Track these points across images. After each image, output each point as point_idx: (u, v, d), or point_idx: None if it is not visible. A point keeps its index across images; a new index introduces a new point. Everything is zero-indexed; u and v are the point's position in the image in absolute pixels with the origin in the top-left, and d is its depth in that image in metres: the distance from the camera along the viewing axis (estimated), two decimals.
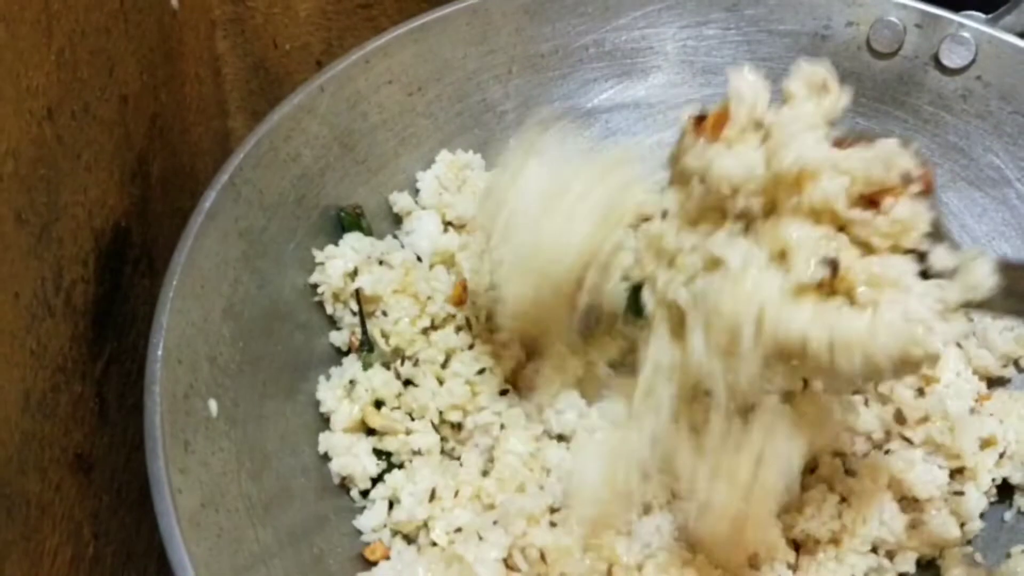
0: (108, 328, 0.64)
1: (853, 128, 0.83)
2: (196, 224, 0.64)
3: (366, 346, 0.71)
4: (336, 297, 0.72)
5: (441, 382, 0.69)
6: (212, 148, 0.89)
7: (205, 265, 0.63)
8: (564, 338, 0.67)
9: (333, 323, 0.73)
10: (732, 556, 0.62)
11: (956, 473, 0.69)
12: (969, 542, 0.69)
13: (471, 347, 0.71)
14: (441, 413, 0.68)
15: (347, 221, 0.75)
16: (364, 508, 0.67)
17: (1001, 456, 0.70)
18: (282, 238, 0.71)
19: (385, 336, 0.71)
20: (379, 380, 0.69)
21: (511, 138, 0.84)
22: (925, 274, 0.52)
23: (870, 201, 0.53)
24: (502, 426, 0.67)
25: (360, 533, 0.66)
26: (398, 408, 0.68)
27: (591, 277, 0.62)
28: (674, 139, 0.85)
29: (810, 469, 0.69)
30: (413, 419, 0.68)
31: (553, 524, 0.61)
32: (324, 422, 0.69)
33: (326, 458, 0.67)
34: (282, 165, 0.71)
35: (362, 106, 0.77)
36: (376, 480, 0.67)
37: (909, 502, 0.67)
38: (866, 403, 0.71)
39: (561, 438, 0.68)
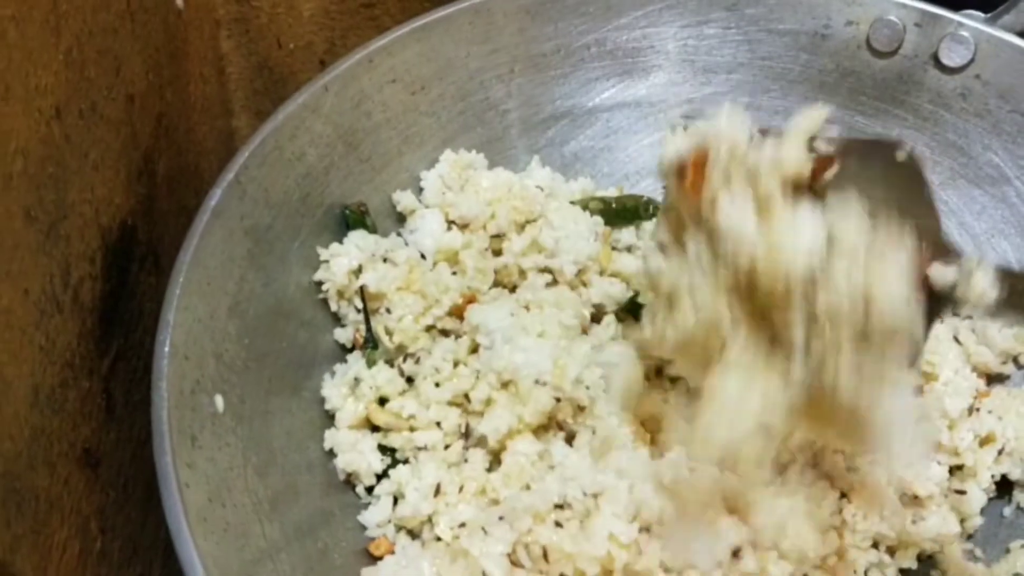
0: (115, 325, 0.65)
1: (851, 128, 0.84)
2: (202, 222, 0.64)
3: (370, 343, 0.72)
4: (340, 294, 0.73)
5: (438, 385, 0.70)
6: (216, 147, 0.90)
7: (211, 263, 0.64)
8: None
9: (338, 320, 0.74)
10: None
11: (955, 470, 0.70)
12: (969, 537, 0.70)
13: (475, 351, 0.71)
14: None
15: (351, 219, 0.75)
16: (369, 504, 0.67)
17: (1000, 453, 0.71)
18: (287, 236, 0.71)
19: (389, 333, 0.71)
20: (383, 377, 0.69)
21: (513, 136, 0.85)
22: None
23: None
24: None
25: (365, 528, 0.67)
26: (402, 405, 0.69)
27: None
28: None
29: (811, 464, 0.69)
30: (417, 416, 0.69)
31: (558, 524, 0.62)
32: (329, 419, 0.69)
33: (331, 454, 0.68)
34: (287, 164, 0.72)
35: (366, 105, 0.77)
36: (381, 476, 0.68)
37: (909, 498, 0.68)
38: None
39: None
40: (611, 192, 0.85)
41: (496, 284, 0.76)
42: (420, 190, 0.80)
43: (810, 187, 0.55)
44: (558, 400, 0.66)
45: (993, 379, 0.77)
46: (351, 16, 0.92)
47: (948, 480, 0.69)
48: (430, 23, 0.80)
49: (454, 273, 0.74)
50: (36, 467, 0.54)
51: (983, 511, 0.70)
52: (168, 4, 0.77)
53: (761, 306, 0.53)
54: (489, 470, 0.67)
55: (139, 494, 0.68)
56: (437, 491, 0.65)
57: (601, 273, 0.77)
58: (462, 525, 0.64)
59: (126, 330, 0.66)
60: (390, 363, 0.71)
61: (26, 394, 0.53)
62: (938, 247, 0.57)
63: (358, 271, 0.72)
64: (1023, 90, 0.78)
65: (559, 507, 0.62)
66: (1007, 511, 0.72)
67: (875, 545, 0.67)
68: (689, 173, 0.57)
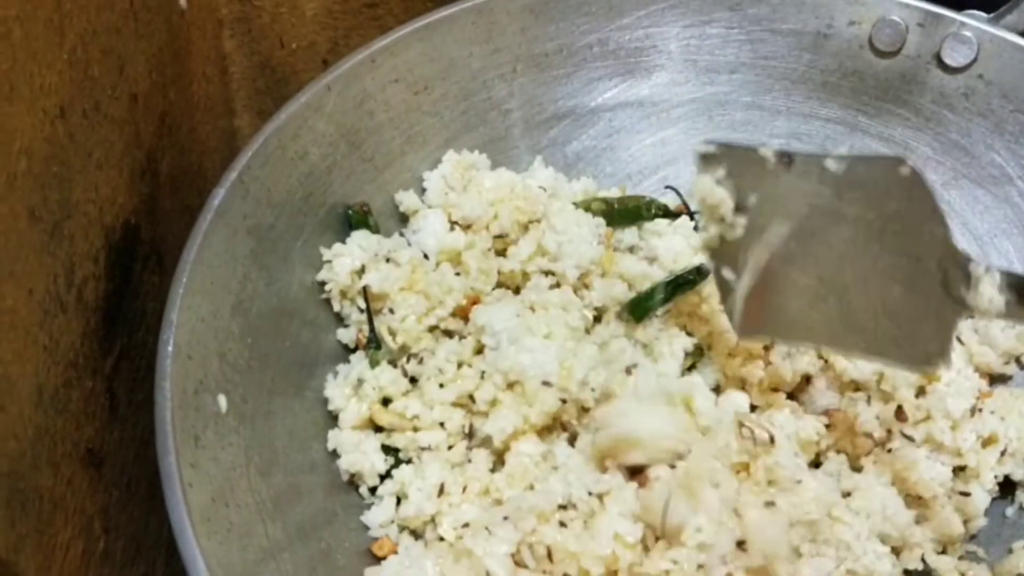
0: (118, 324, 0.65)
1: (855, 128, 0.85)
2: (205, 221, 0.64)
3: (373, 343, 0.72)
4: (343, 294, 0.73)
5: (442, 386, 0.70)
6: (219, 146, 0.90)
7: (214, 262, 0.64)
8: None
9: (340, 320, 0.74)
10: None
11: (958, 471, 0.70)
12: (972, 538, 0.70)
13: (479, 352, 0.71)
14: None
15: (354, 219, 0.75)
16: (372, 504, 0.67)
17: (1003, 454, 0.71)
18: (290, 235, 0.71)
19: (392, 333, 0.71)
20: (386, 378, 0.69)
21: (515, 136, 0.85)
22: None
23: None
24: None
25: (368, 528, 0.66)
26: (406, 406, 0.69)
27: None
28: (677, 137, 0.87)
29: (815, 465, 0.69)
30: (420, 417, 0.69)
31: (562, 524, 0.62)
32: (332, 419, 0.69)
33: (335, 455, 0.68)
34: (290, 163, 0.72)
35: (368, 105, 0.77)
36: (384, 476, 0.68)
37: (913, 499, 0.68)
38: (868, 401, 0.72)
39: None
40: (613, 192, 0.84)
41: (499, 285, 0.76)
42: (423, 190, 0.80)
43: None
44: (564, 401, 0.66)
45: (995, 379, 0.77)
46: (354, 16, 0.92)
47: (952, 481, 0.69)
48: (433, 23, 0.80)
49: (457, 274, 0.74)
50: (40, 467, 0.54)
51: (986, 511, 0.70)
52: (171, 3, 0.77)
53: None
54: (492, 471, 0.67)
55: (142, 494, 0.68)
56: (441, 491, 0.65)
57: (603, 275, 0.77)
58: (465, 525, 0.64)
59: (129, 329, 0.66)
60: (393, 363, 0.71)
61: (30, 394, 0.53)
62: (948, 253, 0.58)
63: (361, 271, 0.72)
64: None
65: (563, 507, 0.62)
66: (1010, 511, 0.72)
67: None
68: None
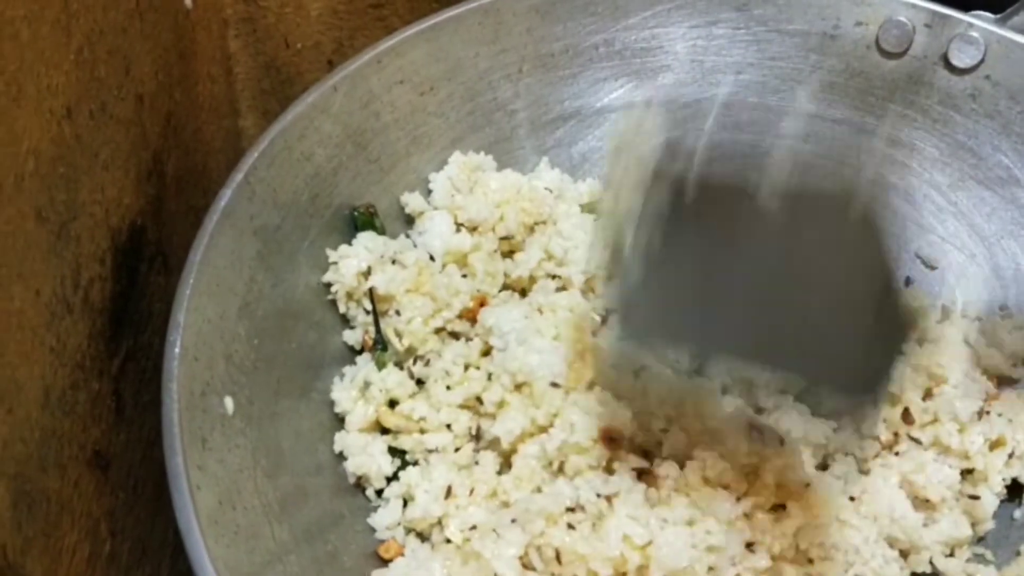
0: (125, 326, 0.64)
1: (861, 130, 0.84)
2: (212, 222, 0.64)
3: (379, 345, 0.71)
4: (350, 296, 0.72)
5: (449, 388, 0.70)
6: (224, 147, 0.89)
7: (220, 263, 0.64)
8: None
9: (346, 322, 0.73)
10: None
11: (966, 474, 0.70)
12: (979, 540, 0.69)
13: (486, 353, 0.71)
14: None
15: (360, 220, 0.75)
16: (379, 507, 0.67)
17: (1010, 456, 0.71)
18: (296, 236, 0.71)
19: (398, 335, 0.71)
20: (393, 380, 0.69)
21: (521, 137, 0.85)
22: None
23: None
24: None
25: (374, 531, 0.66)
26: (412, 408, 0.69)
27: None
28: (683, 139, 0.87)
29: (822, 467, 0.69)
30: (427, 419, 0.68)
31: (570, 526, 0.62)
32: (339, 421, 0.69)
33: (341, 457, 0.68)
34: (296, 164, 0.71)
35: (374, 105, 0.77)
36: (391, 478, 0.68)
37: (921, 502, 0.68)
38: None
39: None
40: None
41: (505, 287, 0.76)
42: (428, 192, 0.80)
43: None
44: None
45: (1003, 382, 0.76)
46: (359, 16, 0.92)
47: (960, 484, 0.69)
48: (439, 23, 0.79)
49: (464, 276, 0.74)
50: (47, 469, 0.54)
51: (994, 515, 0.70)
52: (177, 3, 0.76)
53: None
54: (500, 473, 0.67)
55: (148, 496, 0.68)
56: (448, 493, 0.65)
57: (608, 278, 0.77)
58: (473, 527, 0.63)
59: (135, 331, 0.66)
60: (400, 365, 0.71)
61: (37, 396, 0.53)
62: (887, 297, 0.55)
63: (367, 273, 0.72)
64: None
65: (571, 510, 0.62)
66: (1017, 514, 0.71)
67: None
68: None
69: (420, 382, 0.71)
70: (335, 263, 0.72)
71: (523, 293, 0.75)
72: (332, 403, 0.69)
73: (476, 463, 0.67)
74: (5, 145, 0.49)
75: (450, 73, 0.81)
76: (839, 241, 0.55)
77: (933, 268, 0.82)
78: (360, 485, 0.68)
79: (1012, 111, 0.80)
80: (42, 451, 0.53)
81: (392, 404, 0.69)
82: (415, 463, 0.68)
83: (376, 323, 0.71)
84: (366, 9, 0.92)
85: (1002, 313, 0.78)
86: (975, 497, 0.69)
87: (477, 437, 0.68)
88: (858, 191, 0.55)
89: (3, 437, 0.49)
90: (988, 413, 0.72)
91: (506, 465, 0.67)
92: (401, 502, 0.66)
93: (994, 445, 0.71)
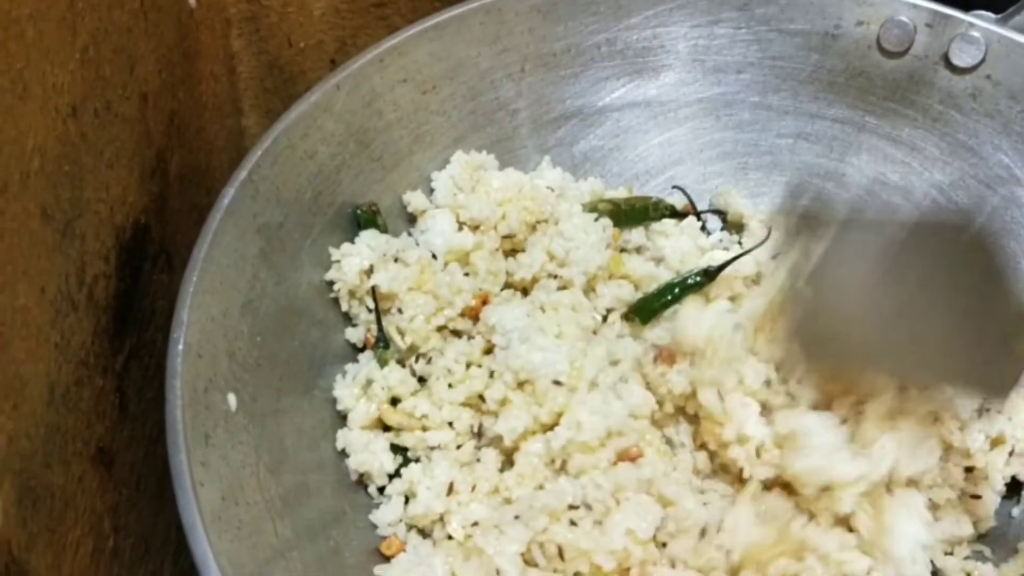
0: (128, 323, 0.65)
1: (862, 128, 0.85)
2: (215, 220, 0.64)
3: (382, 343, 0.72)
4: (352, 294, 0.73)
5: (451, 386, 0.70)
6: (227, 146, 0.90)
7: (224, 261, 0.64)
8: None
9: (349, 320, 0.74)
10: None
11: (967, 472, 0.70)
12: (980, 537, 0.70)
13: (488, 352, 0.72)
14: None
15: (363, 219, 0.75)
16: (381, 503, 0.67)
17: (1010, 454, 0.71)
18: (298, 235, 0.71)
19: (401, 333, 0.71)
20: (395, 378, 0.69)
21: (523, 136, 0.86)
22: None
23: None
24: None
25: (376, 527, 0.67)
26: (415, 405, 0.69)
27: None
28: (684, 137, 0.87)
29: None
30: (429, 416, 0.69)
31: (573, 523, 0.62)
32: (341, 418, 0.69)
33: (343, 454, 0.68)
34: (299, 162, 0.72)
35: (377, 104, 0.77)
36: (393, 475, 0.68)
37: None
38: None
39: None
40: (620, 192, 0.85)
41: (507, 286, 0.76)
42: (431, 190, 0.80)
43: None
44: None
45: None
46: (362, 15, 0.92)
47: (961, 482, 0.69)
48: (441, 22, 0.80)
49: (466, 274, 0.74)
50: (51, 465, 0.54)
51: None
52: (181, 3, 0.77)
53: None
54: (501, 470, 0.67)
55: (151, 492, 0.68)
56: (450, 490, 0.65)
57: (610, 277, 0.77)
58: (475, 524, 0.64)
59: (139, 328, 0.66)
60: (401, 363, 0.71)
61: (42, 392, 0.53)
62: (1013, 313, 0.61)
63: (369, 271, 0.72)
64: None
65: (573, 507, 0.62)
66: (1016, 511, 0.72)
67: None
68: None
69: (422, 380, 0.71)
70: (337, 261, 0.72)
71: (525, 292, 0.76)
72: (334, 400, 0.70)
73: (478, 460, 0.67)
74: (11, 143, 0.49)
75: (452, 72, 0.81)
76: (961, 262, 0.62)
77: None
78: (362, 482, 0.68)
79: (1012, 110, 0.80)
80: (47, 447, 0.54)
81: (394, 402, 0.69)
82: (417, 460, 0.68)
83: (378, 321, 0.72)
84: (368, 8, 0.92)
85: None
86: (977, 496, 0.69)
87: (479, 435, 0.69)
88: (970, 221, 0.62)
89: (8, 433, 0.49)
90: (988, 410, 0.72)
91: (508, 462, 0.67)
92: (403, 499, 0.67)
93: (994, 443, 0.71)
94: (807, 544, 0.62)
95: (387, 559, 0.65)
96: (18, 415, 0.50)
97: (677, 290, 0.75)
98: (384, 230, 0.76)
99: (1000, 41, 0.79)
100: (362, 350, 0.73)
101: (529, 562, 0.61)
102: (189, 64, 0.79)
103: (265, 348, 0.66)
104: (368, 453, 0.67)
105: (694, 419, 0.70)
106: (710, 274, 0.76)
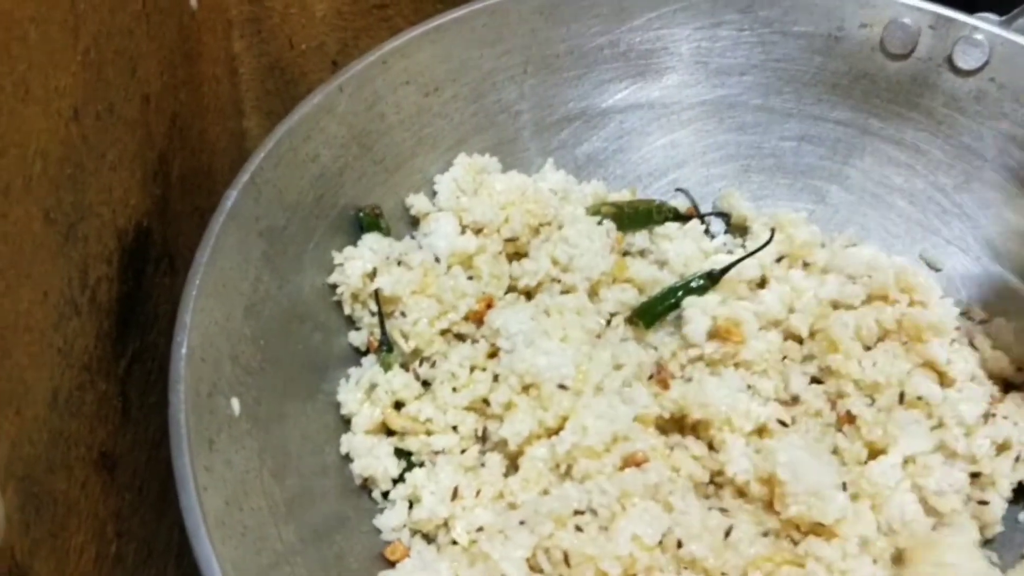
0: (131, 327, 0.64)
1: (865, 131, 0.85)
2: (218, 223, 0.64)
3: (385, 347, 0.71)
4: (355, 297, 0.72)
5: (455, 390, 0.70)
6: (228, 148, 0.89)
7: (226, 264, 0.64)
8: None
9: (352, 323, 0.73)
10: None
11: (973, 478, 0.70)
12: (986, 543, 0.69)
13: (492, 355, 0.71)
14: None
15: (366, 222, 0.75)
16: (384, 508, 0.67)
17: (1016, 460, 0.70)
18: (301, 238, 0.71)
19: (404, 337, 0.71)
20: (399, 382, 0.69)
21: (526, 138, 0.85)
22: None
23: None
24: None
25: (380, 532, 0.66)
26: (419, 409, 0.68)
27: None
28: (687, 140, 0.87)
29: None
30: (433, 420, 0.68)
31: (579, 528, 0.62)
32: (345, 422, 0.69)
33: (347, 458, 0.68)
34: (301, 165, 0.71)
35: (379, 106, 0.77)
36: (397, 480, 0.68)
37: (931, 507, 0.67)
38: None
39: None
40: (624, 195, 0.84)
41: (510, 289, 0.76)
42: (434, 193, 0.80)
43: None
44: None
45: (1008, 385, 0.76)
46: (364, 17, 0.92)
47: (969, 488, 0.69)
48: (444, 24, 0.79)
49: (470, 278, 0.74)
50: (55, 470, 0.54)
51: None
52: (182, 5, 0.76)
53: None
54: (506, 475, 0.67)
55: (153, 497, 0.67)
56: (454, 495, 0.65)
57: (614, 281, 0.77)
58: (479, 529, 0.63)
59: (141, 332, 0.66)
60: (405, 367, 0.71)
61: (45, 397, 0.53)
62: None
63: (372, 274, 0.72)
64: None
65: (579, 512, 0.62)
66: (1022, 516, 0.71)
67: None
68: None
69: (426, 384, 0.71)
70: (340, 264, 0.72)
71: (528, 296, 0.75)
72: (338, 405, 0.69)
73: (482, 465, 0.67)
74: (14, 146, 0.48)
75: (455, 74, 0.81)
76: None
77: (938, 270, 0.82)
78: (366, 487, 0.68)
79: (1017, 113, 0.79)
80: (50, 453, 0.53)
81: (398, 406, 0.69)
82: (421, 465, 0.68)
83: (382, 325, 0.71)
84: (370, 10, 0.92)
85: (1007, 316, 0.78)
86: (985, 503, 0.68)
87: (483, 439, 0.68)
88: None
89: (12, 439, 0.49)
90: (994, 416, 0.72)
91: (512, 467, 0.67)
92: (407, 504, 0.66)
93: (1000, 448, 0.70)
94: (809, 552, 0.62)
95: (391, 564, 0.64)
96: (21, 420, 0.50)
97: (680, 293, 0.75)
98: (387, 233, 0.75)
99: (1004, 43, 0.79)
100: (365, 354, 0.73)
101: (534, 568, 0.61)
102: (191, 66, 0.78)
103: (268, 352, 0.66)
104: (372, 458, 0.67)
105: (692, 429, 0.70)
106: (714, 277, 0.76)
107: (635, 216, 0.81)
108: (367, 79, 0.76)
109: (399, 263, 0.73)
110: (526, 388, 0.67)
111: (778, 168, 0.87)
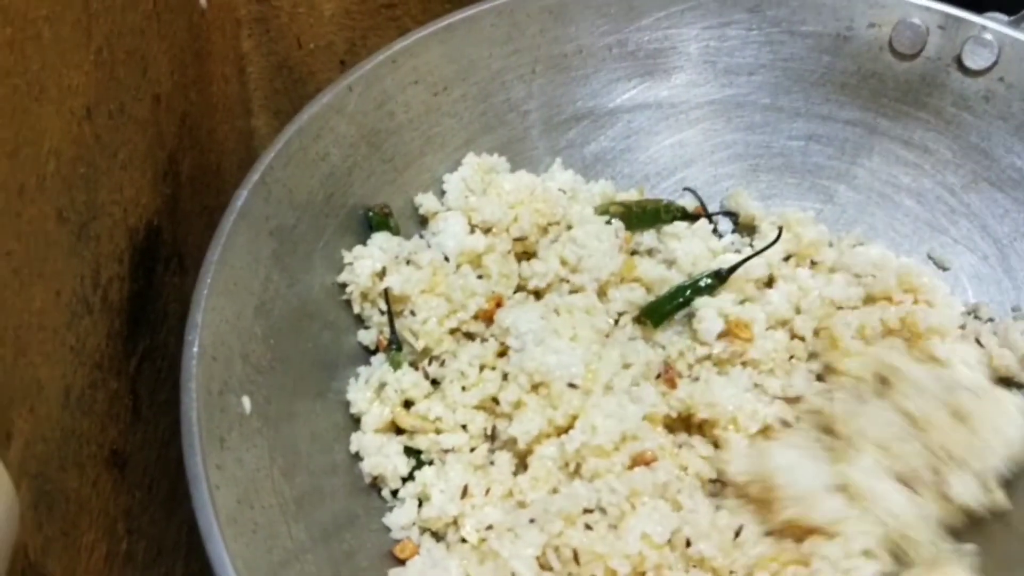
0: (142, 325, 0.65)
1: (873, 131, 0.84)
2: (228, 222, 0.64)
3: (394, 345, 0.71)
4: (364, 296, 0.72)
5: (465, 389, 0.70)
6: (237, 147, 0.89)
7: (237, 263, 0.64)
8: None
9: (361, 322, 0.74)
10: None
11: None
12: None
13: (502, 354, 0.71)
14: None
15: (375, 221, 0.75)
16: (394, 506, 0.67)
17: None
18: (311, 237, 0.71)
19: (414, 335, 0.71)
20: (408, 381, 0.69)
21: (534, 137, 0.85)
22: None
23: None
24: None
25: (389, 530, 0.66)
26: (428, 408, 0.69)
27: None
28: (695, 139, 0.87)
29: None
30: (443, 419, 0.69)
31: (588, 526, 0.62)
32: (354, 421, 0.69)
33: (357, 457, 0.68)
34: (311, 164, 0.72)
35: (389, 105, 0.77)
36: (407, 479, 0.68)
37: None
38: None
39: None
40: (632, 194, 0.84)
41: (519, 288, 0.76)
42: (442, 192, 0.80)
43: None
44: None
45: (1012, 384, 0.76)
46: (372, 16, 0.92)
47: None
48: (453, 24, 0.79)
49: (479, 277, 0.74)
50: (67, 468, 0.54)
51: None
52: (192, 4, 0.77)
53: None
54: (515, 473, 0.67)
55: (163, 495, 0.68)
56: (464, 493, 0.65)
57: (622, 280, 0.77)
58: (489, 527, 0.63)
59: (152, 331, 0.66)
60: (414, 366, 0.71)
61: (58, 395, 0.53)
62: None
63: (382, 273, 0.72)
64: None
65: (588, 511, 0.62)
66: None
67: None
68: None
69: (435, 383, 0.71)
70: (350, 263, 0.72)
71: (538, 295, 0.75)
72: (348, 403, 0.69)
73: (492, 463, 0.67)
74: (28, 145, 0.49)
75: (464, 73, 0.81)
76: None
77: (946, 269, 0.82)
78: (376, 485, 0.68)
79: None
80: (63, 450, 0.53)
81: (407, 404, 0.69)
82: (431, 463, 0.68)
83: (391, 323, 0.71)
84: (379, 9, 0.92)
85: (1015, 315, 0.79)
86: None
87: (492, 437, 0.68)
88: None
89: (26, 436, 0.49)
90: None
91: (522, 466, 0.67)
92: (417, 502, 0.66)
93: None
94: (814, 551, 0.62)
95: (401, 562, 0.64)
96: (35, 418, 0.50)
97: (688, 292, 0.75)
98: (396, 232, 0.76)
99: (1013, 43, 0.79)
100: (375, 352, 0.73)
101: (544, 566, 0.61)
102: (200, 65, 0.79)
103: (278, 350, 0.66)
104: (382, 456, 0.67)
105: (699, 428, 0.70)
106: (721, 276, 0.76)
107: (643, 216, 0.81)
108: (376, 78, 0.76)
109: (408, 262, 0.73)
110: (535, 387, 0.67)
111: (786, 167, 0.87)
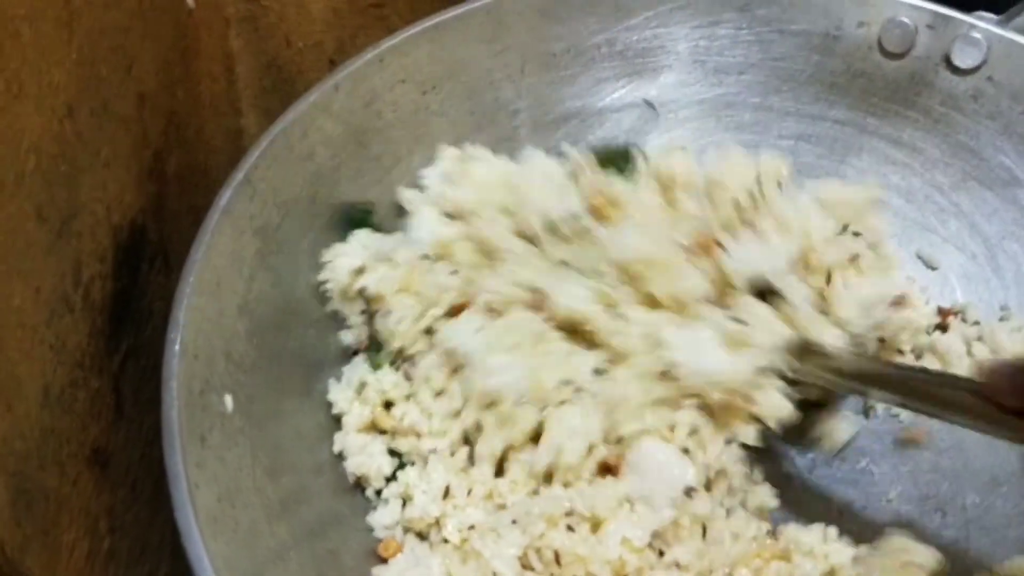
0: (125, 324, 0.64)
1: (863, 131, 0.84)
2: (212, 221, 0.64)
3: (374, 345, 0.71)
4: (343, 295, 0.72)
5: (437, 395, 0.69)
6: (225, 146, 0.89)
7: (220, 262, 0.64)
8: None
9: (344, 321, 0.73)
10: None
11: None
12: None
13: None
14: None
15: (355, 218, 0.74)
16: (378, 506, 0.67)
17: None
18: (296, 236, 0.71)
19: (390, 335, 0.70)
20: (388, 382, 0.69)
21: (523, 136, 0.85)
22: None
23: None
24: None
25: (373, 530, 0.66)
26: (405, 411, 0.68)
27: None
28: (685, 139, 0.87)
29: None
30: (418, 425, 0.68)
31: (570, 528, 0.62)
32: (338, 421, 0.69)
33: (341, 456, 0.68)
34: (297, 163, 0.71)
35: (376, 105, 0.77)
36: (390, 478, 0.68)
37: None
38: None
39: None
40: None
41: None
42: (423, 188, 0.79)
43: None
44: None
45: None
46: (361, 15, 0.92)
47: None
48: (441, 23, 0.79)
49: (454, 272, 0.73)
50: (46, 467, 0.54)
51: None
52: (179, 2, 0.76)
53: None
54: (496, 475, 0.66)
55: (147, 494, 0.68)
56: (446, 494, 0.65)
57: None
58: (471, 528, 0.63)
59: (136, 329, 0.66)
60: (395, 365, 0.71)
61: (37, 393, 0.53)
62: None
63: (361, 271, 0.71)
64: None
65: (569, 513, 0.62)
66: None
67: None
68: None
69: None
70: (329, 262, 0.72)
71: None
72: (331, 403, 0.69)
73: (473, 465, 0.67)
74: (6, 143, 0.49)
75: (452, 72, 0.81)
76: None
77: (934, 269, 0.82)
78: (359, 485, 0.68)
79: (1014, 112, 0.79)
80: (41, 448, 0.53)
81: (388, 405, 0.69)
82: (413, 463, 0.68)
83: (370, 323, 0.71)
84: (367, 8, 0.92)
85: (1003, 314, 0.78)
86: None
87: (471, 443, 0.68)
88: None
89: (3, 434, 0.49)
90: None
91: (500, 471, 0.67)
92: (400, 502, 0.66)
93: None
94: (792, 542, 0.62)
95: (384, 561, 0.64)
96: (12, 416, 0.50)
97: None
98: (378, 229, 0.75)
99: (1001, 42, 0.79)
100: (356, 352, 0.73)
101: (526, 566, 0.61)
102: (187, 64, 0.79)
103: (262, 349, 0.65)
104: (365, 456, 0.67)
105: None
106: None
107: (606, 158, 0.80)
108: (364, 77, 0.76)
109: (389, 260, 0.73)
110: (489, 405, 0.66)
111: None
